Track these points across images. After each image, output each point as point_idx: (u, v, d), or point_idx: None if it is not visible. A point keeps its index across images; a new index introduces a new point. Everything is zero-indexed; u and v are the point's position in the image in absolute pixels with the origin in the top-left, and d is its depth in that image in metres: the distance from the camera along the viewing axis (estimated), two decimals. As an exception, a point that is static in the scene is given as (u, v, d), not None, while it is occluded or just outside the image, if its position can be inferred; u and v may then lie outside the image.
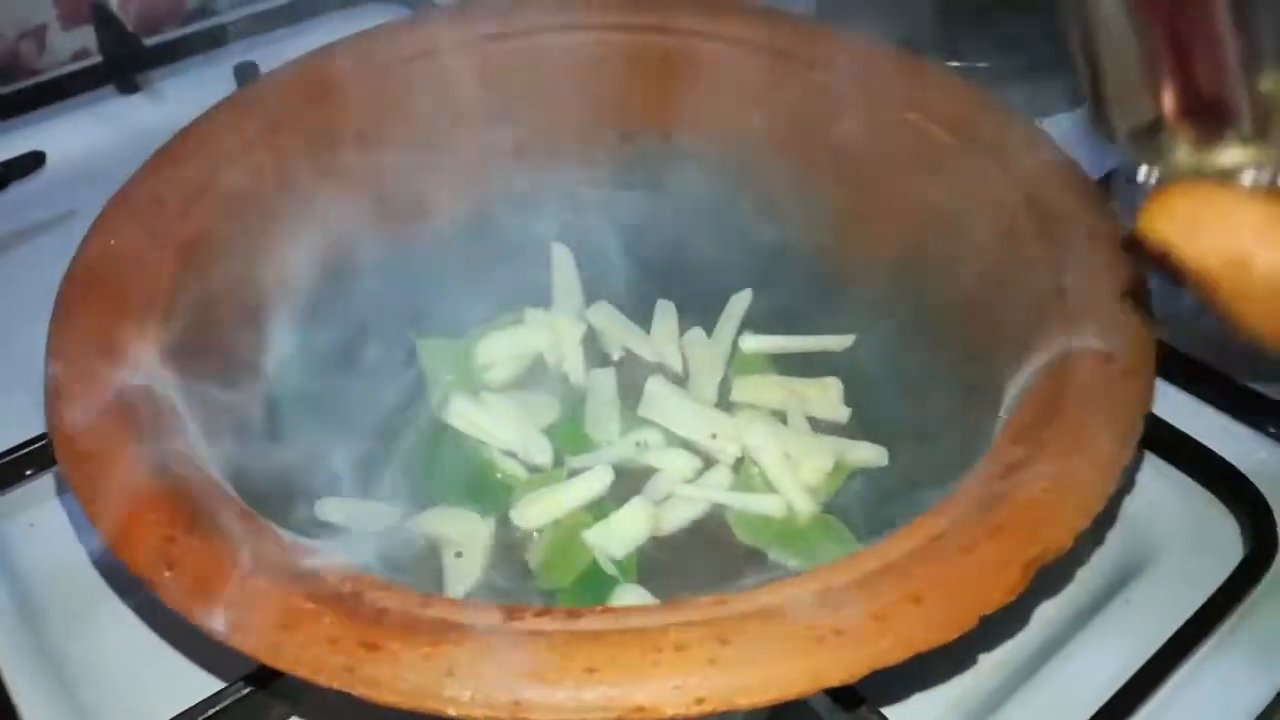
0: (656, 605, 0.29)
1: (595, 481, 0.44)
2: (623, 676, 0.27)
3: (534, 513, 0.43)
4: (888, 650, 0.28)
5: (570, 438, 0.47)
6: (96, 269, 0.39)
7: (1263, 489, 0.46)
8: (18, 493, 0.47)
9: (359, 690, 0.27)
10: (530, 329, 0.50)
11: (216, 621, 0.29)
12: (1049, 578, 0.30)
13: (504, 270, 0.52)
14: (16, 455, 0.47)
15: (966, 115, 0.45)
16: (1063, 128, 0.67)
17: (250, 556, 0.30)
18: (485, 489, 0.45)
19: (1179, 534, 0.46)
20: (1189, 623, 0.42)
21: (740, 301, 0.52)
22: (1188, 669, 0.41)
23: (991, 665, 0.41)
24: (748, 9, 0.50)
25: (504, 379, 0.49)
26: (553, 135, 0.51)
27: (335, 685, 0.27)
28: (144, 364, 0.37)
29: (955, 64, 0.67)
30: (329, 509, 0.44)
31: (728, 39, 0.49)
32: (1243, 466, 0.47)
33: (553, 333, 0.50)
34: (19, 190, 0.64)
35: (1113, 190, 0.54)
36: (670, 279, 0.53)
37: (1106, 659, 0.41)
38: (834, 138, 0.48)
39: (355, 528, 0.44)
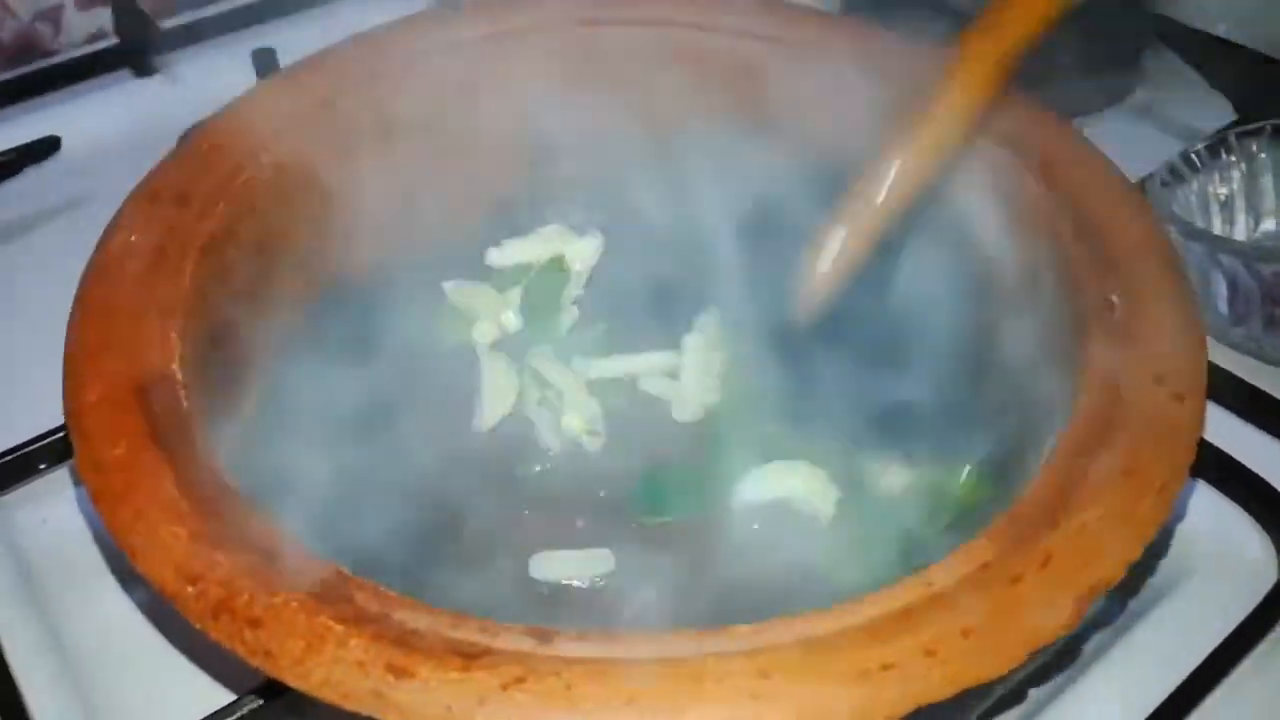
0: (694, 633, 0.28)
1: None
2: (661, 709, 0.26)
3: None
4: (937, 686, 0.27)
5: None
6: (117, 266, 0.38)
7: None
8: (30, 486, 0.46)
9: (389, 717, 0.26)
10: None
11: (240, 642, 0.28)
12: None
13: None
14: (30, 449, 0.46)
15: (1014, 124, 0.43)
16: (1099, 128, 0.66)
17: (276, 573, 0.29)
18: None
19: (1214, 554, 0.44)
20: (1221, 647, 0.41)
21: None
22: (1221, 692, 0.40)
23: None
24: (796, 7, 0.49)
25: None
26: (576, 132, 0.50)
27: (364, 711, 0.27)
28: (164, 364, 0.36)
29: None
30: None
31: (768, 38, 0.48)
32: (1280, 486, 0.46)
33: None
34: (34, 175, 0.63)
35: (1148, 194, 0.53)
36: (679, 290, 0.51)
37: (1136, 682, 0.41)
38: (875, 142, 0.47)
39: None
